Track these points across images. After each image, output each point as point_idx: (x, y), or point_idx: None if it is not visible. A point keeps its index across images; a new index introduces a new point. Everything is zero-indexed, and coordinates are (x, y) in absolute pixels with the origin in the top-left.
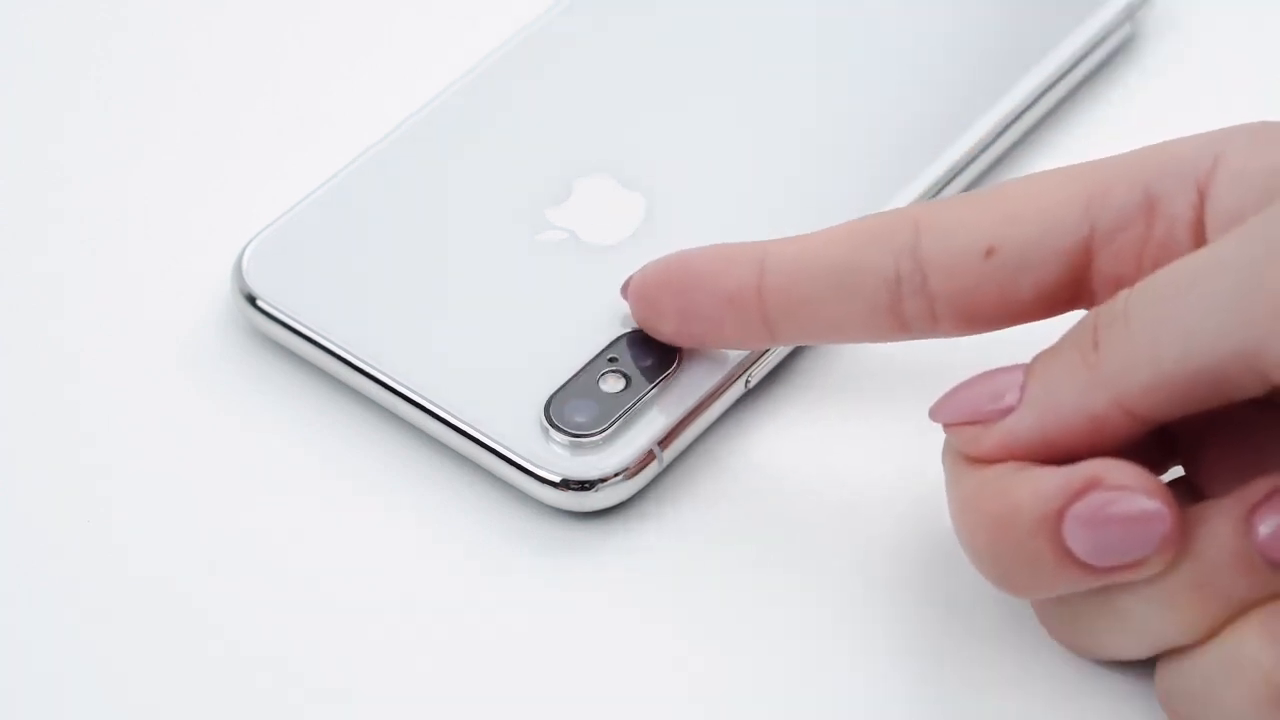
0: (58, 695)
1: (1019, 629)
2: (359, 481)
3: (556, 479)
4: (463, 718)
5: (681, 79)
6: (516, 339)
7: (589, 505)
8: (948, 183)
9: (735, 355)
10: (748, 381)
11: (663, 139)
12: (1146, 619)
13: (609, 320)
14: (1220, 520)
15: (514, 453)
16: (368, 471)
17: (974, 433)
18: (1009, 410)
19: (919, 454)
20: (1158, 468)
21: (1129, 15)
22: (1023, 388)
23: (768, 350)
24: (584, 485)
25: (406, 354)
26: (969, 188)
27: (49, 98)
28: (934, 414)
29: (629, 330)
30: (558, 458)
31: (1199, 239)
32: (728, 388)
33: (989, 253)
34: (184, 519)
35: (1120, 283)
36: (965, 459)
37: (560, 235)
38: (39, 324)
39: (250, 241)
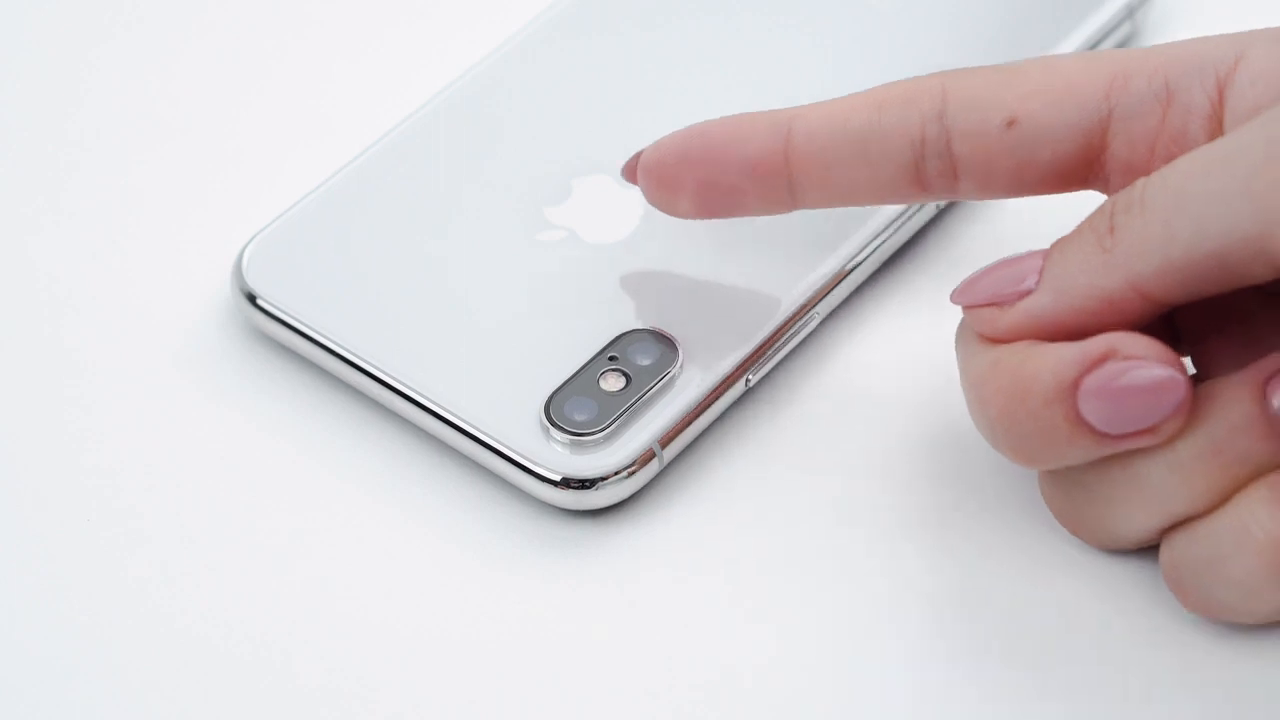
0: (58, 695)
1: (1024, 620)
2: (359, 480)
3: (557, 477)
4: (463, 716)
5: (681, 78)
6: (516, 338)
7: (589, 504)
8: None
9: (736, 355)
10: (748, 381)
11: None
12: (1160, 487)
13: (609, 319)
14: (1236, 390)
15: (514, 451)
16: (368, 470)
17: (992, 313)
18: (1028, 293)
19: (919, 453)
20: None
21: (1129, 14)
22: (1041, 271)
23: (768, 350)
24: (584, 484)
25: (407, 352)
26: None
27: (50, 98)
28: (955, 297)
29: (629, 329)
30: (558, 456)
31: (1215, 133)
32: (728, 387)
33: (1010, 123)
34: (184, 518)
35: (1132, 168)
36: (980, 339)
37: (560, 234)
38: (39, 323)
39: (250, 241)
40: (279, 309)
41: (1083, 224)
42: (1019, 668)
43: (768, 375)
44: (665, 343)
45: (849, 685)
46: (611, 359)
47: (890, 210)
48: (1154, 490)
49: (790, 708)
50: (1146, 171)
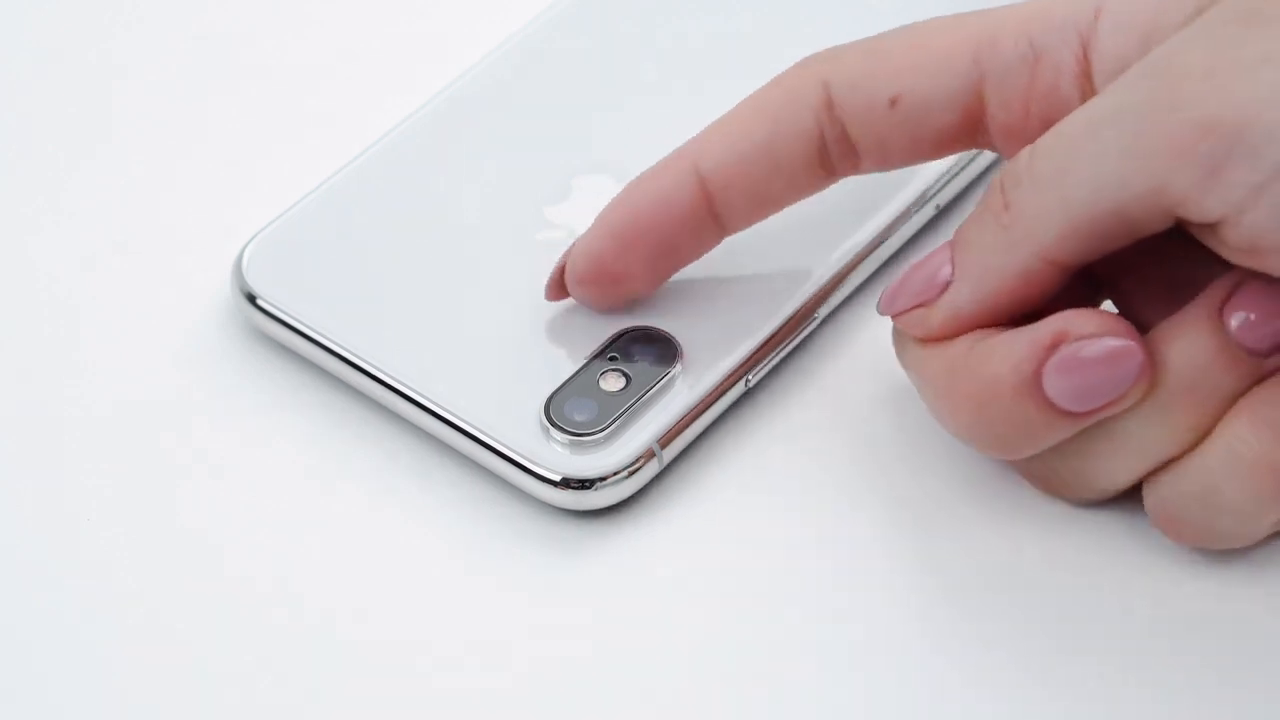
0: (58, 694)
1: (1023, 621)
2: (359, 480)
3: (556, 478)
4: (462, 716)
5: (681, 78)
6: (516, 338)
7: (589, 504)
8: (946, 183)
9: (736, 355)
10: (748, 381)
11: (662, 138)
12: (1141, 438)
13: (609, 319)
14: (1192, 327)
15: (514, 451)
16: (368, 470)
17: (920, 315)
18: (946, 284)
19: (919, 453)
20: (1088, 305)
21: None
22: (952, 262)
23: (768, 351)
24: (584, 484)
25: (407, 353)
26: (964, 187)
27: (50, 98)
28: (882, 308)
29: (629, 329)
30: (558, 456)
31: (1086, 89)
32: (728, 387)
33: (893, 102)
34: (183, 518)
35: (1010, 129)
36: (921, 343)
37: (560, 234)
38: (39, 323)
39: (250, 241)
40: (279, 309)
41: (979, 206)
42: (1025, 666)
43: (767, 376)
44: (665, 343)
45: (849, 683)
46: (611, 359)
47: (889, 212)
48: (1135, 442)
49: (790, 707)
50: (1025, 131)
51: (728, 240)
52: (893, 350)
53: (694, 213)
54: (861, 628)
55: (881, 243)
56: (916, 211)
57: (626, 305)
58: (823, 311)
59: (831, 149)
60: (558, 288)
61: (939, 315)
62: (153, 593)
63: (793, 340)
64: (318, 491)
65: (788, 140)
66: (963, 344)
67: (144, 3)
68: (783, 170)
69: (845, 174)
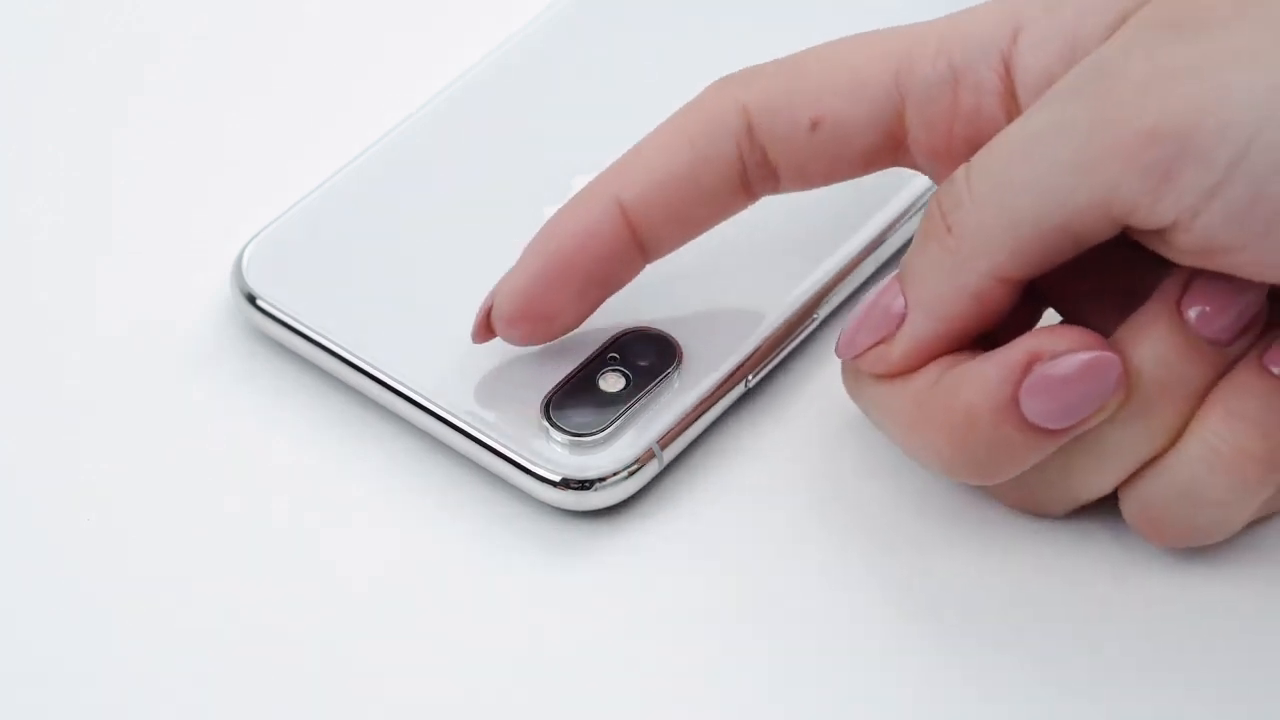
0: (58, 694)
1: (1022, 621)
2: (359, 480)
3: (556, 478)
4: (461, 715)
5: (681, 78)
6: None
7: (589, 504)
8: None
9: (736, 355)
10: (748, 382)
11: None
12: (1123, 442)
13: (609, 319)
14: (1155, 327)
15: (514, 452)
16: (368, 470)
17: (880, 352)
18: (902, 316)
19: None
20: (1032, 318)
21: None
22: (904, 294)
23: (768, 351)
24: (584, 484)
25: (406, 353)
26: None
27: (50, 98)
28: (840, 351)
29: (629, 329)
30: (558, 456)
31: (1012, 108)
32: (728, 388)
33: (814, 125)
34: (184, 518)
35: (934, 150)
36: (879, 380)
37: None
38: (39, 324)
39: (250, 241)
40: (279, 309)
41: (919, 232)
42: (1029, 663)
43: (768, 376)
44: (665, 343)
45: (850, 683)
46: (611, 359)
47: (889, 213)
48: (1115, 449)
49: (790, 707)
50: (949, 151)
51: (729, 241)
52: None
53: (619, 244)
54: (862, 628)
55: (881, 243)
56: (916, 212)
57: (555, 339)
58: (823, 311)
59: (751, 172)
60: (485, 330)
61: (899, 348)
62: (153, 593)
63: (793, 340)
64: (317, 492)
65: (709, 166)
66: (927, 376)
67: (144, 3)
68: (705, 196)
69: (765, 194)
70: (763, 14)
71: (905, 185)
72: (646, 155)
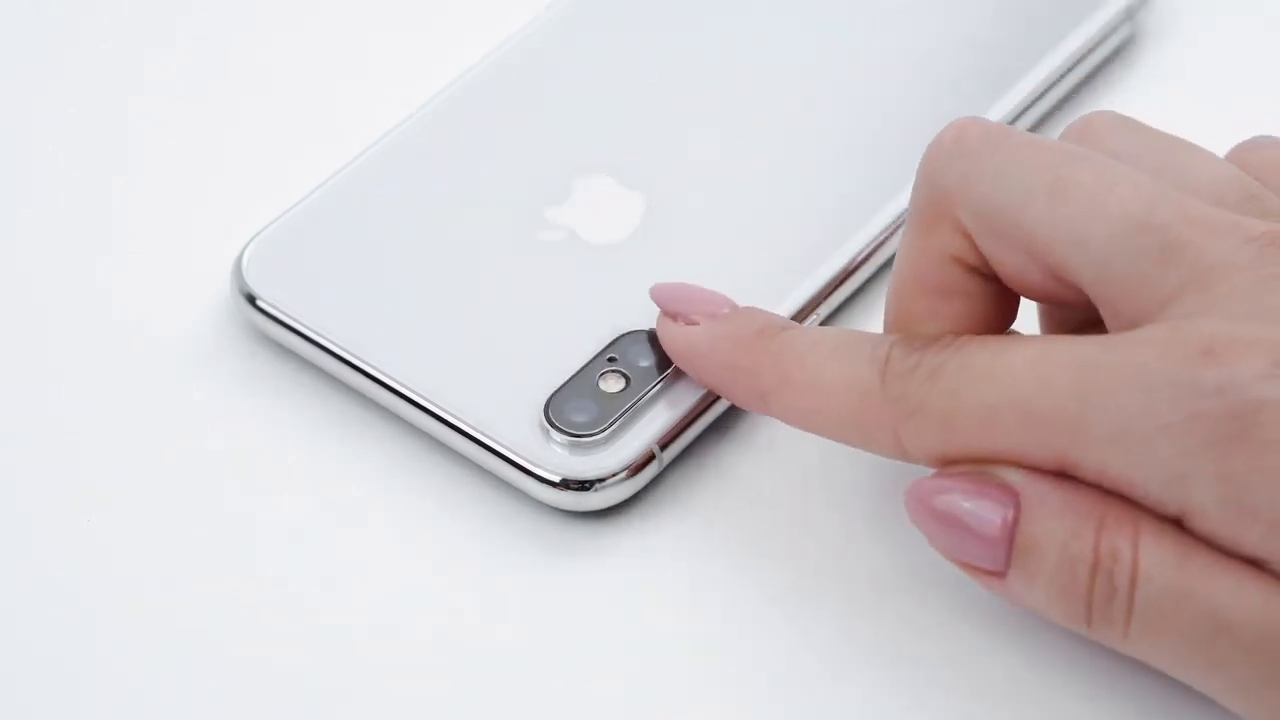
0: (58, 694)
1: (1021, 619)
2: (359, 481)
3: (556, 479)
4: (461, 716)
5: (682, 78)
6: (516, 339)
7: (588, 505)
8: None
9: None
10: None
11: (663, 138)
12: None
13: (609, 320)
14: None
15: (514, 452)
16: (367, 471)
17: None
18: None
19: None
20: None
21: (1129, 15)
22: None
23: None
24: (583, 485)
25: (406, 354)
26: None
27: (50, 98)
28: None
29: (629, 330)
30: (558, 457)
31: None
32: None
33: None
34: (184, 518)
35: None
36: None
37: (560, 234)
38: (39, 323)
39: (250, 241)
40: (279, 309)
41: (1054, 577)
42: (1031, 664)
43: None
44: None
45: (850, 683)
46: (611, 360)
47: (890, 212)
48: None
49: (790, 707)
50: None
51: (729, 241)
52: None
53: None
54: (862, 628)
55: (882, 243)
56: None
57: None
58: (823, 311)
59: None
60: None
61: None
62: (153, 593)
63: None
64: (316, 493)
65: (863, 428)
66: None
67: (144, 3)
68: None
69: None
70: (763, 13)
71: (905, 186)
72: (811, 388)
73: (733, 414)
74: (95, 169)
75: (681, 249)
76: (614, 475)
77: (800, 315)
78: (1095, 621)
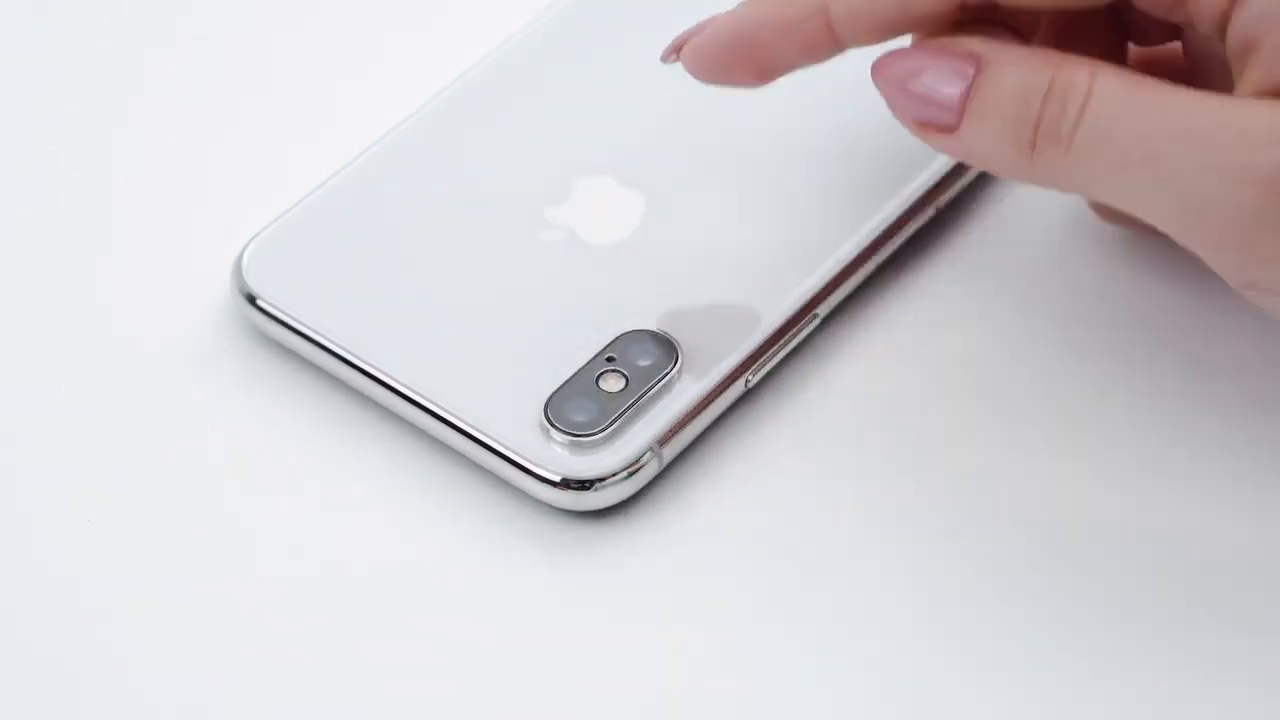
0: (58, 694)
1: (1021, 619)
2: (359, 481)
3: (556, 478)
4: (461, 716)
5: (682, 78)
6: (516, 338)
7: (588, 504)
8: (946, 184)
9: (735, 355)
10: (747, 381)
11: (663, 139)
12: None
13: (609, 319)
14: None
15: (514, 452)
16: (367, 471)
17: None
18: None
19: (919, 452)
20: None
21: None
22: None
23: (768, 351)
24: (583, 484)
25: (406, 353)
26: (964, 188)
27: (50, 98)
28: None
29: (628, 329)
30: (557, 457)
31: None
32: (727, 387)
33: None
34: (184, 518)
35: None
36: None
37: (560, 234)
38: (39, 323)
39: (250, 241)
40: (279, 309)
41: (1007, 111)
42: (1032, 664)
43: (767, 376)
44: (664, 343)
45: (850, 682)
46: (610, 360)
47: (890, 211)
48: None
49: (790, 707)
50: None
51: (728, 240)
52: (892, 349)
53: (817, 44)
54: (862, 627)
55: (882, 244)
56: (916, 213)
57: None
58: (823, 311)
59: None
60: (674, 51)
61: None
62: (153, 593)
63: (792, 340)
64: (316, 492)
65: None
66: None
67: (144, 3)
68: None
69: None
70: None
71: (905, 186)
72: None
73: (733, 413)
74: (95, 169)
75: (681, 249)
76: (614, 475)
77: (800, 314)
78: (1040, 143)
